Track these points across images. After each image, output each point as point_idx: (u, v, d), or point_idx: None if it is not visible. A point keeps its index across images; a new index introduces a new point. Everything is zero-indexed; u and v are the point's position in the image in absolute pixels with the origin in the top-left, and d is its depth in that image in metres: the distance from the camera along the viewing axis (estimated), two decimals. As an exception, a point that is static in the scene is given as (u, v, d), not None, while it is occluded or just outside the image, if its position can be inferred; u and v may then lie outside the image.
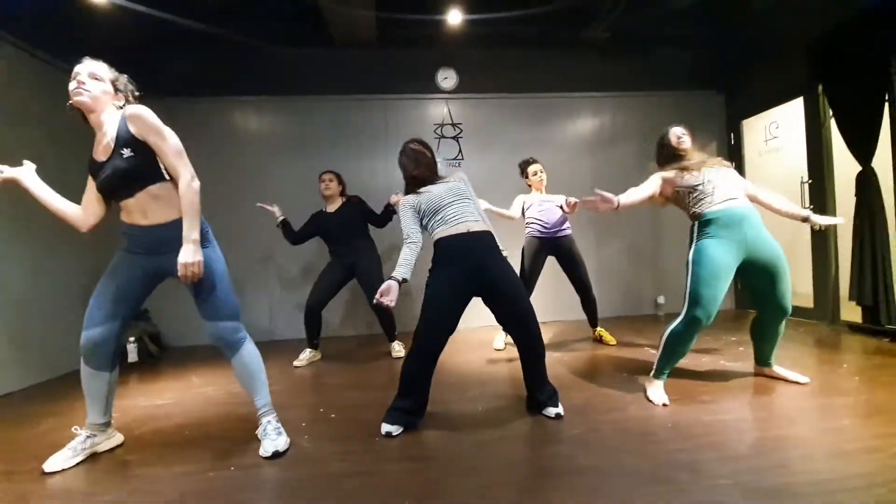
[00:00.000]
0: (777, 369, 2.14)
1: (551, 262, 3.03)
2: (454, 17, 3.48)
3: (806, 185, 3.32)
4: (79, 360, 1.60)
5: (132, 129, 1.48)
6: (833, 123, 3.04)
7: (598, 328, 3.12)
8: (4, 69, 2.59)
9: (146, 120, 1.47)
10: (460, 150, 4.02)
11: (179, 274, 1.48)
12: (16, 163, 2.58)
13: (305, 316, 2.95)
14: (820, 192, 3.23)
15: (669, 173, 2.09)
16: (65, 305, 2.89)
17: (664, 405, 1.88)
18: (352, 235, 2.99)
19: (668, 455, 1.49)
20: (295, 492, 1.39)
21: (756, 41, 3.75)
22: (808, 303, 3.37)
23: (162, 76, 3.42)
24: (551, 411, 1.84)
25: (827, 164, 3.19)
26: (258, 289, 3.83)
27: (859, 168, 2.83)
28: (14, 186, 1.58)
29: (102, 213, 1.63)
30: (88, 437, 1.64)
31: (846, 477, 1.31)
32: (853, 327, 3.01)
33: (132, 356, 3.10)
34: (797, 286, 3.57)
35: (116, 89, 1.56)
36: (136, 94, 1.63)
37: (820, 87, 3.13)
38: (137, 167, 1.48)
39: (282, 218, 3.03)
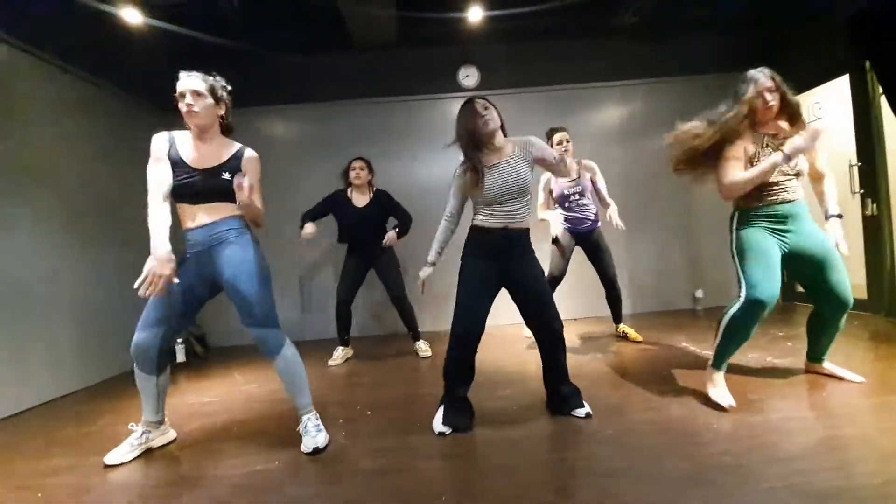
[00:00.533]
0: (829, 366, 2.00)
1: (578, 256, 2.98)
2: (475, 14, 3.45)
3: (855, 168, 3.11)
4: (120, 365, 1.72)
5: (244, 165, 1.71)
6: (883, 101, 2.83)
7: (622, 325, 3.05)
8: (50, 91, 2.76)
9: (257, 167, 1.77)
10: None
11: (237, 190, 1.55)
12: (66, 180, 2.80)
13: (337, 311, 3.02)
14: (871, 176, 3.02)
15: (747, 143, 1.78)
16: (121, 307, 3.07)
17: (730, 407, 1.73)
18: (375, 234, 2.97)
19: (713, 457, 1.44)
20: (334, 487, 1.43)
21: (795, 17, 3.53)
22: (862, 294, 3.15)
23: (182, 71, 3.58)
24: (580, 412, 1.81)
25: (878, 145, 2.97)
26: (289, 290, 3.96)
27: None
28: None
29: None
30: (144, 433, 1.76)
31: (911, 479, 1.23)
32: (913, 319, 2.80)
33: (180, 357, 3.27)
34: (852, 275, 3.37)
35: (217, 99, 1.68)
36: (228, 89, 1.76)
37: (868, 64, 2.91)
38: (227, 188, 1.61)
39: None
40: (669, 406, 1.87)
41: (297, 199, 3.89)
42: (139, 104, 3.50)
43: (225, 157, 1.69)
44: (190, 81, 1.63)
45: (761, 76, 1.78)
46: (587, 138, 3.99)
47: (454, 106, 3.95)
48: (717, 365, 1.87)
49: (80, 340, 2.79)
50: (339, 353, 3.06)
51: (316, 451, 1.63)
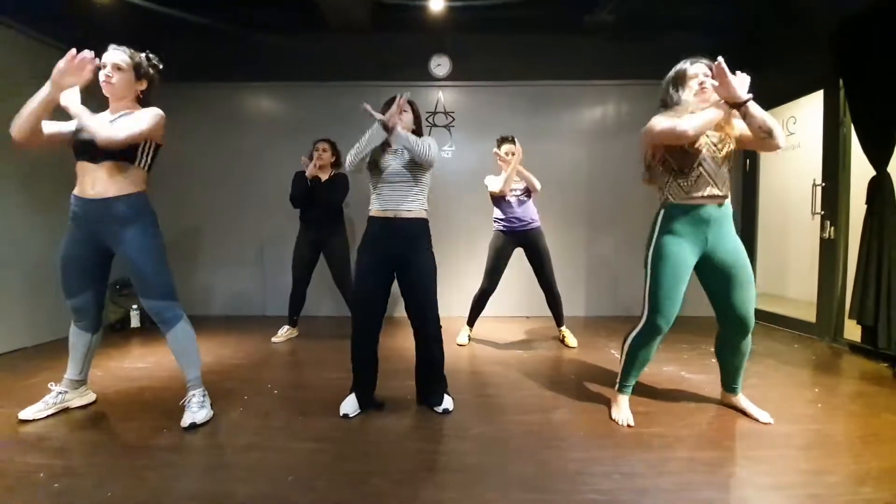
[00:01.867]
0: (742, 400, 1.88)
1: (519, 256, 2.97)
2: (437, 3, 3.39)
3: (818, 189, 3.00)
4: None
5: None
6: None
7: (563, 328, 3.03)
8: (16, 58, 2.85)
9: (148, 115, 1.69)
10: (451, 139, 3.98)
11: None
12: (4, 144, 2.91)
13: (292, 292, 3.13)
14: (832, 197, 2.91)
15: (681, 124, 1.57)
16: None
17: (629, 426, 1.74)
18: (329, 212, 3.06)
19: (560, 463, 1.49)
20: (203, 457, 1.54)
21: (778, 26, 3.37)
22: (811, 316, 3.09)
23: (111, 45, 3.65)
24: (439, 408, 1.88)
25: (843, 166, 2.86)
26: (253, 267, 4.07)
27: (874, 173, 2.52)
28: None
29: (42, 142, 1.70)
30: (60, 393, 1.87)
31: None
32: (854, 347, 2.74)
33: (135, 322, 3.43)
34: (802, 296, 3.29)
35: (139, 75, 1.73)
36: (159, 67, 1.81)
37: (841, 81, 2.78)
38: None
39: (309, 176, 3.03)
40: (555, 411, 1.91)
41: (262, 175, 3.97)
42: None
43: (119, 115, 1.70)
44: (114, 55, 1.69)
45: (696, 64, 1.78)
46: (558, 138, 3.93)
47: (425, 94, 4.01)
48: (622, 389, 1.87)
49: (33, 300, 2.95)
50: (284, 332, 3.17)
51: (192, 426, 1.71)
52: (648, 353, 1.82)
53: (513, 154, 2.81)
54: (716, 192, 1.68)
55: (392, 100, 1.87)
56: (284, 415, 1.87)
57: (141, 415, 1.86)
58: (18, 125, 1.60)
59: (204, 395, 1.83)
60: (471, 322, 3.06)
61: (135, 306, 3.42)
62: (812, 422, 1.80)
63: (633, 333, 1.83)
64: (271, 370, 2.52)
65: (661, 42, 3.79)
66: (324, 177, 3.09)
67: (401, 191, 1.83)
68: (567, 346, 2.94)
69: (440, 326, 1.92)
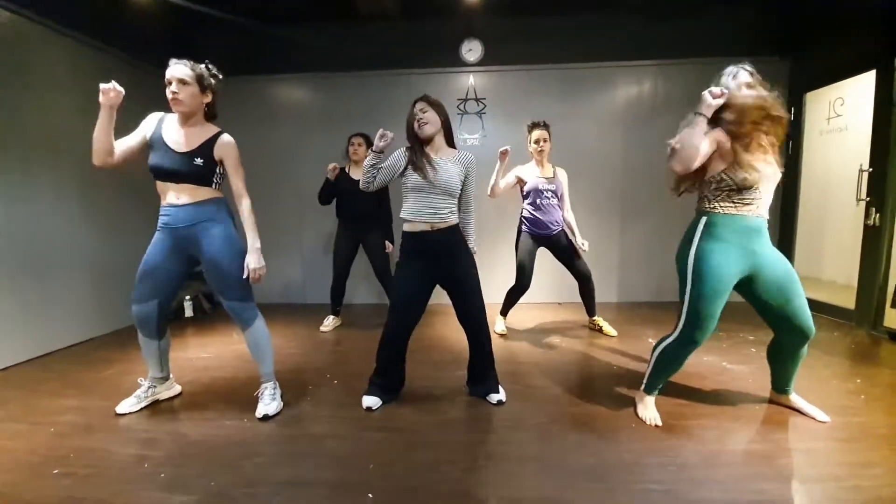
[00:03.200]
0: (795, 399, 1.88)
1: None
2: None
3: (864, 174, 2.93)
4: None
5: (217, 151, 1.82)
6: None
7: (597, 317, 3.08)
8: (63, 61, 2.94)
9: (232, 151, 1.84)
10: (483, 126, 3.97)
11: (249, 277, 1.83)
12: (81, 149, 3.03)
13: (332, 285, 3.27)
14: (879, 183, 2.85)
15: (747, 149, 1.58)
16: (132, 264, 3.41)
17: (657, 426, 1.76)
18: (367, 209, 3.10)
19: (616, 454, 1.59)
20: (282, 446, 1.69)
21: (828, 2, 3.20)
22: (848, 302, 3.08)
23: (197, 57, 3.67)
24: (494, 398, 1.99)
25: (893, 151, 2.78)
26: (292, 257, 4.21)
27: (928, 159, 2.46)
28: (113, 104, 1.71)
29: (118, 162, 1.79)
30: (150, 387, 2.04)
31: (785, 502, 1.33)
32: (895, 336, 2.75)
33: (188, 312, 3.63)
34: (838, 278, 3.25)
35: (203, 87, 1.78)
36: (219, 77, 1.87)
37: (897, 60, 2.67)
38: (197, 173, 1.79)
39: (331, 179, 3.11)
40: (604, 402, 2.00)
41: (297, 167, 4.06)
42: (148, 71, 3.64)
43: (198, 143, 1.79)
44: (177, 69, 1.73)
45: (744, 72, 1.66)
46: (591, 121, 3.88)
47: (455, 81, 3.99)
48: (648, 390, 1.88)
49: (97, 295, 3.15)
50: (330, 321, 3.32)
51: (266, 417, 1.87)
52: (679, 364, 1.80)
53: (544, 140, 2.80)
54: (760, 211, 1.66)
55: (416, 103, 1.91)
56: (348, 405, 2.02)
57: (218, 405, 2.02)
58: (94, 151, 1.75)
59: (275, 388, 1.98)
60: (504, 312, 3.15)
61: (188, 297, 3.61)
62: (855, 414, 1.86)
63: (666, 343, 1.79)
64: (326, 359, 2.67)
65: (700, 19, 3.66)
66: (359, 174, 3.13)
67: (435, 203, 1.87)
68: (606, 334, 3.00)
69: (487, 322, 2.02)
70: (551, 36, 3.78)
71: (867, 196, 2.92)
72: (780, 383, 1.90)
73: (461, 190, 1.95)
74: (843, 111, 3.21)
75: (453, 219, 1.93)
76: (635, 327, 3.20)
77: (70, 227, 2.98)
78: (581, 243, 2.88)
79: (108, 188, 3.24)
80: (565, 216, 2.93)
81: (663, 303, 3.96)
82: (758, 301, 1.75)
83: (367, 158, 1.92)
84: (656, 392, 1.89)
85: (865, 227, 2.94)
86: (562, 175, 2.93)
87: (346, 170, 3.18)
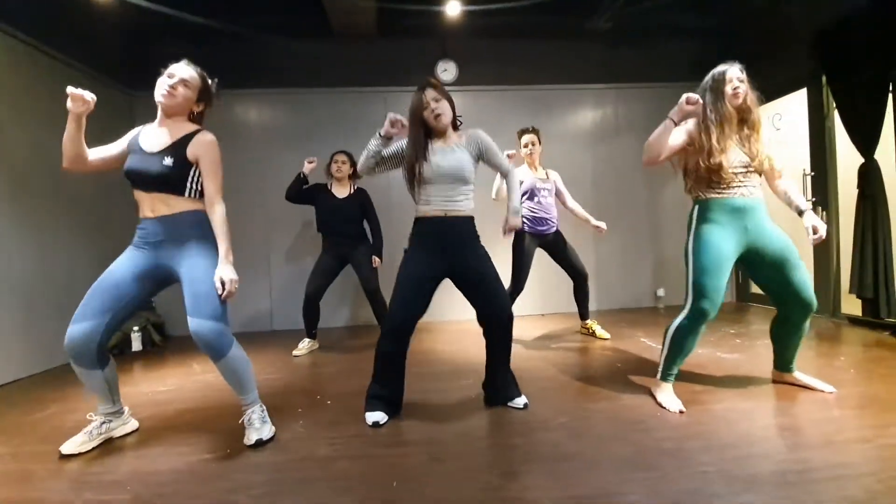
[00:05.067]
0: (799, 376, 1.94)
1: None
2: (453, 9, 3.46)
3: (808, 178, 3.28)
4: None
5: (191, 149, 1.58)
6: (836, 115, 2.99)
7: (590, 321, 3.08)
8: (3, 61, 2.62)
9: (209, 150, 1.60)
10: (460, 143, 4.02)
11: (218, 290, 1.55)
12: (16, 155, 2.67)
13: (304, 306, 2.99)
14: (822, 185, 3.19)
15: (706, 134, 1.73)
16: (70, 296, 2.95)
17: (681, 412, 1.72)
18: (352, 227, 3.02)
19: (655, 443, 1.51)
20: (284, 473, 1.43)
21: (761, 31, 3.69)
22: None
23: (162, 68, 3.45)
24: (519, 402, 1.85)
25: (830, 156, 3.15)
26: (259, 280, 3.88)
27: (862, 160, 2.79)
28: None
29: (92, 168, 1.64)
30: (104, 422, 1.67)
31: (833, 465, 1.32)
32: (854, 320, 2.99)
33: (136, 345, 3.17)
34: None
35: (200, 97, 1.65)
36: (216, 95, 1.73)
37: (824, 79, 3.08)
38: (166, 175, 1.56)
39: (305, 172, 2.99)
40: (621, 396, 1.94)
41: (265, 185, 3.83)
42: (100, 80, 3.34)
43: (170, 142, 1.58)
44: (185, 69, 1.62)
45: (733, 67, 1.81)
46: (560, 139, 4.06)
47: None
48: (665, 377, 1.86)
49: (27, 327, 2.67)
50: (305, 344, 3.03)
51: (259, 442, 1.59)
52: (694, 340, 1.81)
53: (533, 144, 2.88)
54: (744, 192, 1.77)
55: (421, 95, 1.74)
56: (349, 424, 1.78)
57: (189, 438, 1.70)
58: (63, 156, 1.59)
59: (263, 411, 1.71)
60: None
61: (136, 328, 3.16)
62: (854, 385, 1.95)
63: (678, 322, 1.81)
64: (311, 382, 2.40)
65: (654, 47, 4.04)
66: (343, 192, 3.03)
67: (446, 192, 1.76)
68: (599, 338, 2.99)
69: (510, 315, 1.84)
70: (521, 59, 3.99)
71: (813, 197, 3.25)
72: (784, 361, 1.96)
73: (491, 164, 1.86)
74: (780, 125, 3.62)
75: (468, 208, 1.81)
76: (623, 329, 3.23)
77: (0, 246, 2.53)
78: (597, 224, 2.92)
79: (43, 203, 2.83)
80: (571, 206, 2.99)
81: (643, 308, 4.07)
82: (760, 275, 1.86)
83: (372, 141, 1.78)
84: (672, 378, 1.87)
85: (814, 224, 3.25)
86: (554, 175, 3.01)
87: (329, 187, 3.06)
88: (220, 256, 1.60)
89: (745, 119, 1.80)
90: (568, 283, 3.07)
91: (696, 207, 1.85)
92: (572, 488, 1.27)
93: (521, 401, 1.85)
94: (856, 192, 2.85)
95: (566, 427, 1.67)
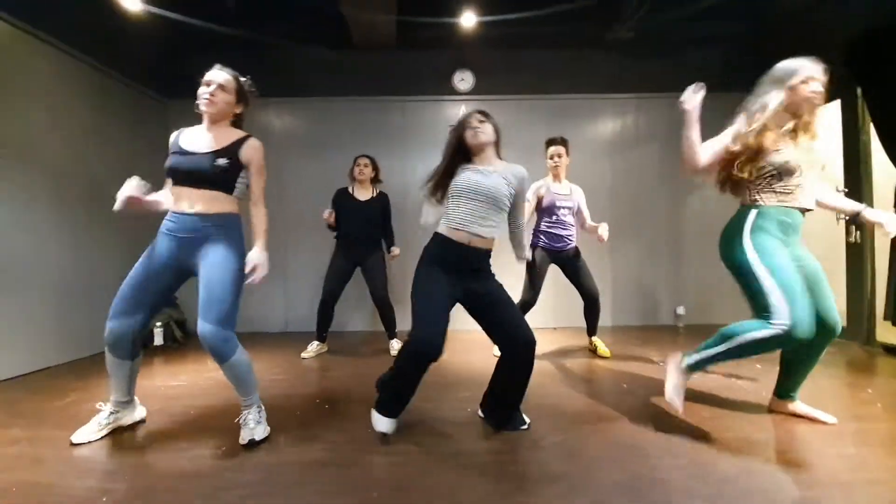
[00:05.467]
0: (799, 405, 1.82)
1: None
2: (469, 20, 3.50)
3: (841, 195, 3.08)
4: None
5: (243, 153, 1.72)
6: (872, 129, 2.82)
7: (595, 338, 3.01)
8: (45, 70, 2.84)
9: (259, 155, 1.75)
10: (476, 152, 4.03)
11: (248, 273, 1.64)
12: (54, 161, 2.87)
13: (320, 308, 3.06)
14: (856, 201, 2.99)
15: (761, 136, 1.61)
16: (103, 287, 3.15)
17: (677, 412, 1.70)
18: (371, 230, 3.05)
19: (649, 470, 1.45)
20: (273, 475, 1.46)
21: (793, 40, 3.51)
22: (842, 321, 3.13)
23: (189, 78, 3.65)
24: (524, 426, 1.78)
25: (865, 172, 2.95)
26: (274, 283, 4.00)
27: (900, 177, 2.61)
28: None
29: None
30: (112, 412, 1.77)
31: (845, 507, 1.23)
32: (889, 349, 2.78)
33: (158, 339, 3.32)
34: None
35: (239, 99, 1.75)
36: (255, 93, 1.85)
37: (859, 90, 2.91)
38: (219, 174, 1.67)
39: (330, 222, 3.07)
40: (622, 418, 1.88)
41: (288, 192, 3.96)
42: (135, 88, 3.56)
43: (224, 144, 1.69)
44: (219, 74, 1.71)
45: (810, 63, 1.67)
46: (578, 149, 3.97)
47: (448, 108, 4.06)
48: (692, 367, 1.69)
49: (59, 317, 2.85)
50: (314, 347, 3.10)
51: (252, 443, 1.63)
52: (759, 354, 1.59)
53: (559, 156, 2.83)
54: (803, 202, 1.65)
55: (467, 118, 1.77)
56: (345, 430, 1.80)
57: (191, 435, 1.77)
58: None
59: (260, 412, 1.76)
60: None
61: (159, 323, 3.32)
62: (877, 420, 1.81)
63: (759, 335, 1.53)
64: (314, 385, 2.45)
65: (677, 57, 3.94)
66: (365, 196, 3.08)
67: (481, 213, 1.69)
68: (601, 355, 2.91)
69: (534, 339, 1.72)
70: (539, 68, 3.97)
71: (845, 216, 3.05)
72: (787, 388, 1.85)
73: (514, 206, 1.80)
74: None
75: (493, 238, 1.74)
76: (635, 348, 3.13)
77: (36, 241, 2.73)
78: (596, 225, 2.76)
79: (78, 200, 3.03)
80: (588, 226, 2.89)
81: (660, 326, 3.93)
82: None
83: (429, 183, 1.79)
84: (694, 374, 1.73)
85: (847, 244, 3.06)
86: (577, 192, 2.94)
87: (350, 190, 3.11)
88: (258, 247, 1.69)
89: (804, 124, 1.69)
90: (575, 295, 3.01)
91: (751, 213, 1.66)
92: (555, 512, 1.24)
93: (525, 425, 1.79)
94: (892, 210, 2.66)
95: (559, 447, 1.63)
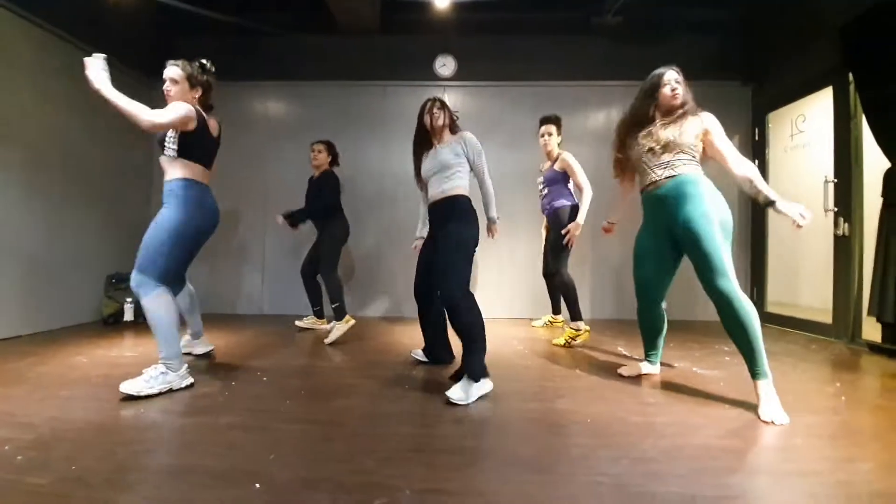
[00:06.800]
0: (759, 387, 1.65)
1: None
2: (444, 1, 3.43)
3: (830, 185, 2.92)
4: (72, 317, 2.04)
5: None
6: (864, 119, 2.65)
7: (549, 315, 3.29)
8: (30, 50, 2.90)
9: (172, 105, 1.83)
10: (456, 138, 3.97)
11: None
12: (35, 133, 2.93)
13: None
14: (845, 193, 2.83)
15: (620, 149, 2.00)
16: (75, 262, 3.21)
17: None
18: (317, 208, 3.08)
19: (564, 448, 1.37)
20: (176, 433, 1.45)
21: (784, 25, 3.36)
22: (827, 318, 2.95)
23: (169, 60, 3.70)
24: (451, 393, 1.73)
25: (855, 161, 2.78)
26: (253, 265, 4.01)
27: (889, 166, 2.44)
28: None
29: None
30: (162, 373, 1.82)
31: (757, 497, 1.12)
32: (874, 347, 2.60)
33: (128, 315, 3.36)
34: (816, 299, 3.11)
35: (192, 84, 1.92)
36: (212, 72, 2.01)
37: (850, 76, 2.74)
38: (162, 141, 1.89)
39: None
40: (557, 400, 1.79)
41: (269, 174, 3.97)
42: (121, 70, 3.61)
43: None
44: (169, 70, 1.90)
45: (670, 69, 1.91)
46: (564, 137, 3.89)
47: (429, 94, 3.92)
48: (766, 371, 1.62)
49: (27, 288, 2.89)
50: (331, 327, 2.95)
51: (126, 396, 1.69)
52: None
53: (549, 135, 2.96)
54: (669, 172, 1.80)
55: (424, 105, 2.13)
56: (269, 399, 1.77)
57: (118, 397, 1.76)
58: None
59: (162, 373, 1.77)
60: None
61: (129, 299, 3.36)
62: (835, 413, 1.68)
63: (756, 315, 1.61)
64: (271, 360, 2.42)
65: (666, 43, 3.81)
66: (316, 175, 3.18)
67: (436, 180, 2.06)
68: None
69: (454, 296, 1.81)
70: (523, 54, 3.89)
71: (834, 207, 2.89)
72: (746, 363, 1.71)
73: (471, 168, 2.09)
74: (804, 127, 3.25)
75: (451, 190, 2.01)
76: (605, 338, 3.02)
77: (8, 215, 2.78)
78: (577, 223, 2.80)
79: (56, 176, 3.08)
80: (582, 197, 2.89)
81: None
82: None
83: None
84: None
85: (835, 237, 2.88)
86: (561, 164, 2.92)
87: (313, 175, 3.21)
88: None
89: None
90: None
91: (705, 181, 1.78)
92: (442, 482, 1.17)
93: (452, 394, 1.72)
94: (881, 199, 2.49)
95: (475, 422, 1.56)
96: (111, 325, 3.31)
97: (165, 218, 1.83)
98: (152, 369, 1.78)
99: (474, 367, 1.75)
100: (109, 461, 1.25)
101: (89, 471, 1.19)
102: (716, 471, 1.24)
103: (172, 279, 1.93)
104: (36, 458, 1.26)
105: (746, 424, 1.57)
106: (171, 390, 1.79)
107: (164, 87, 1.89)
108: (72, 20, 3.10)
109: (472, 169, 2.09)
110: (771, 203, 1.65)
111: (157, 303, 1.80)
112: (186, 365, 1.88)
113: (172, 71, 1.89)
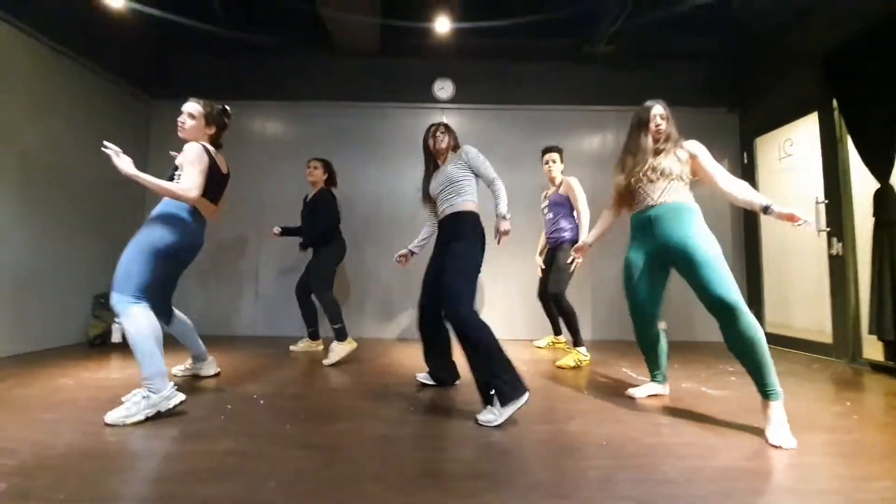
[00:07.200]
0: (770, 408, 1.59)
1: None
2: (442, 25, 3.54)
3: (821, 206, 2.99)
4: (57, 338, 1.93)
5: (179, 158, 1.91)
6: (850, 141, 2.75)
7: (550, 337, 3.27)
8: (30, 65, 2.89)
9: (188, 151, 1.87)
10: (455, 160, 4.02)
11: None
12: (30, 148, 2.89)
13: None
14: (836, 212, 2.90)
15: (619, 177, 2.00)
16: (66, 278, 3.11)
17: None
18: (312, 228, 3.05)
19: (581, 471, 1.32)
20: (165, 461, 1.35)
21: (770, 54, 3.53)
22: (827, 338, 2.97)
23: (172, 78, 3.73)
24: (481, 417, 1.69)
25: (843, 182, 2.87)
26: (248, 286, 3.93)
27: (878, 186, 2.52)
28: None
29: None
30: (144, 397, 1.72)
31: (784, 518, 1.09)
32: (876, 366, 2.60)
33: (116, 336, 3.23)
34: (810, 321, 3.12)
35: (208, 123, 1.98)
36: (229, 115, 2.07)
37: (834, 102, 2.86)
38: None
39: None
40: (569, 422, 1.74)
41: (266, 195, 3.95)
42: (116, 83, 3.60)
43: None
44: (189, 105, 1.96)
45: (656, 104, 1.93)
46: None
47: (427, 116, 4.07)
48: (778, 392, 1.58)
49: (16, 306, 2.78)
50: (337, 347, 2.81)
51: (106, 423, 1.60)
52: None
53: (552, 162, 3.07)
54: (655, 199, 1.86)
55: (428, 130, 2.22)
56: (265, 423, 1.69)
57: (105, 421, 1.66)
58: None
59: (144, 397, 1.68)
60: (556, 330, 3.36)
61: (117, 319, 3.24)
62: (848, 432, 1.65)
63: (762, 334, 1.58)
64: (260, 382, 2.33)
65: (656, 71, 3.96)
66: (311, 195, 3.16)
67: (443, 196, 2.11)
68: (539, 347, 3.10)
69: (459, 313, 1.79)
70: (520, 80, 4.00)
71: (827, 227, 2.95)
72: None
73: (477, 177, 2.13)
74: (792, 151, 3.36)
75: (459, 205, 2.05)
76: (610, 358, 2.99)
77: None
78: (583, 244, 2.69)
79: (48, 189, 3.02)
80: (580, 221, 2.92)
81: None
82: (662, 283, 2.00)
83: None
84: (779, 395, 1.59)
85: (830, 257, 2.93)
86: (565, 188, 2.99)
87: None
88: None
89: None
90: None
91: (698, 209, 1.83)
92: (460, 507, 1.11)
93: (482, 417, 1.68)
94: (873, 219, 2.55)
95: (491, 446, 1.49)
96: (98, 346, 3.18)
97: (142, 233, 1.81)
98: (133, 395, 1.69)
99: (502, 388, 1.67)
100: (96, 489, 1.16)
101: (75, 500, 1.11)
102: (738, 492, 1.20)
103: (153, 298, 1.86)
104: (19, 485, 1.17)
105: (762, 445, 1.53)
106: (158, 414, 1.69)
107: (180, 119, 1.93)
108: (71, 35, 3.11)
109: (479, 177, 2.10)
110: (767, 208, 1.67)
111: (135, 319, 1.72)
112: (173, 383, 1.78)
113: (192, 107, 1.95)
